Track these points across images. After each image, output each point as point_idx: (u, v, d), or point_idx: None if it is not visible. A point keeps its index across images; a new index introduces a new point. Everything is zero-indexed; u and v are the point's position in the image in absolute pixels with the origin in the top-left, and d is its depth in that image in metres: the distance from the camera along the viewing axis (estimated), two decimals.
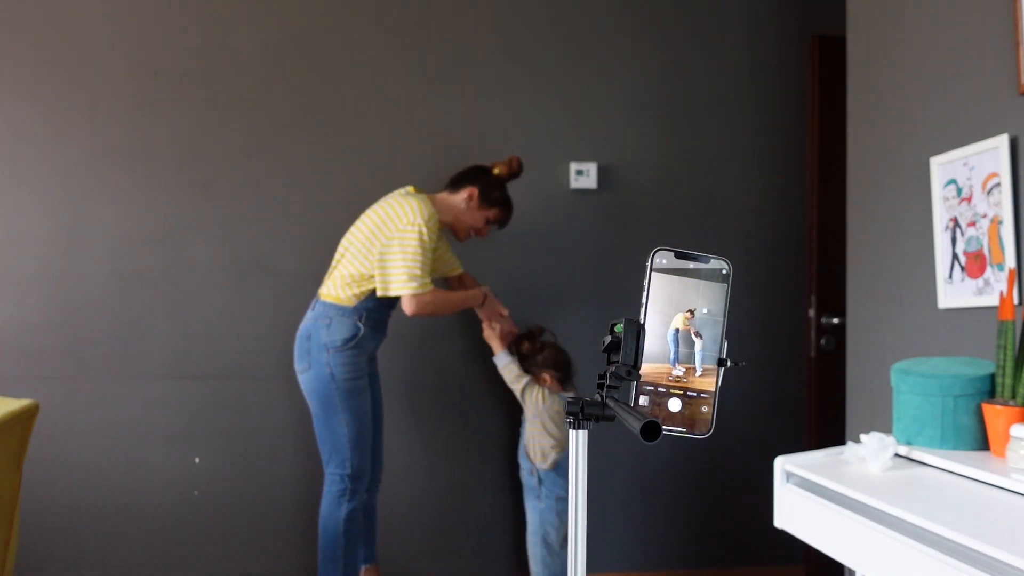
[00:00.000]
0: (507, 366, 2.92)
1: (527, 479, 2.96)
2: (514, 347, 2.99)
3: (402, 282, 2.61)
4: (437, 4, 3.20)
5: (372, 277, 2.64)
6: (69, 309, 2.99)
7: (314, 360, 2.65)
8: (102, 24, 3.02)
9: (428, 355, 3.15)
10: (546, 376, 2.91)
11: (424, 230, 2.61)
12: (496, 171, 2.85)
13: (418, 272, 2.60)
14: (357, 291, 2.66)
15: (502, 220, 2.87)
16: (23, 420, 2.00)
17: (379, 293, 2.64)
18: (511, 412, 3.15)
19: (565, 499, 2.83)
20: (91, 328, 2.99)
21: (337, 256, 2.74)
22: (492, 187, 2.82)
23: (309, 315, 2.72)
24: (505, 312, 2.94)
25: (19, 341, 2.95)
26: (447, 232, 2.92)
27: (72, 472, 2.96)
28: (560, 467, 2.89)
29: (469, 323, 3.12)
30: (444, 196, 2.83)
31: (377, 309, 2.71)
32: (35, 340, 2.96)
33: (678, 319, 1.04)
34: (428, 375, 3.16)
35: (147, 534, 3.00)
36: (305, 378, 2.68)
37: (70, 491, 2.96)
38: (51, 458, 2.92)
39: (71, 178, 3.00)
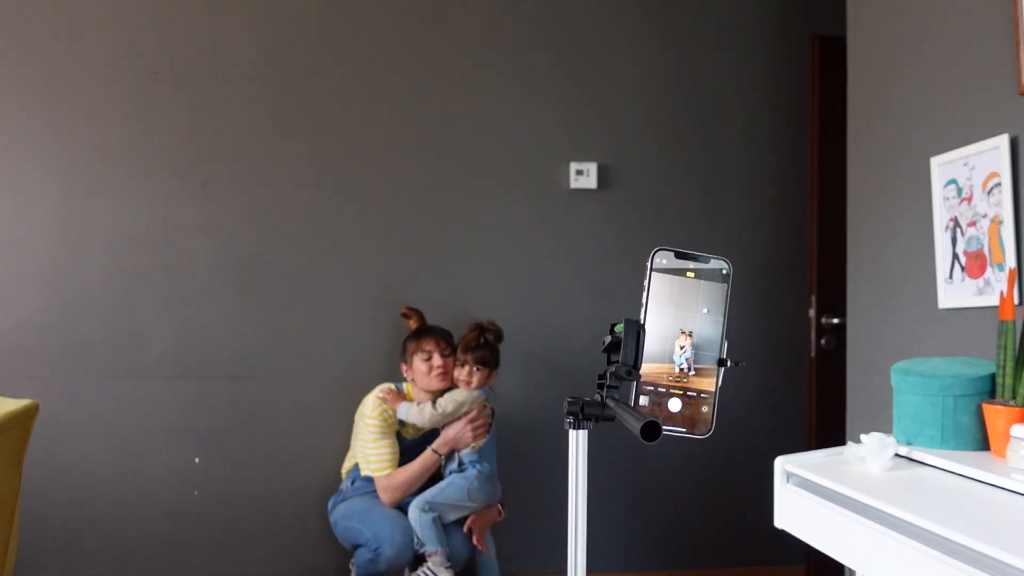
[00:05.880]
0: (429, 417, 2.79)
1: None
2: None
3: (370, 465, 2.79)
4: (436, 4, 3.20)
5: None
6: (69, 309, 2.98)
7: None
8: (102, 24, 3.02)
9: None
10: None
11: (373, 421, 2.78)
12: (412, 326, 2.94)
13: (373, 456, 2.77)
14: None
15: (426, 347, 2.81)
16: (23, 420, 2.00)
17: (362, 472, 2.82)
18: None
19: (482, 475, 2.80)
20: (91, 328, 2.99)
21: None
22: (406, 348, 2.86)
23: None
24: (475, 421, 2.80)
25: (19, 341, 2.95)
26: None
27: (72, 472, 2.96)
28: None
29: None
30: (409, 386, 2.88)
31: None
32: (35, 340, 2.96)
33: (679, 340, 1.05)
34: None
35: (147, 534, 3.00)
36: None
37: (70, 491, 2.95)
38: (51, 458, 2.91)
39: (71, 178, 3.00)
